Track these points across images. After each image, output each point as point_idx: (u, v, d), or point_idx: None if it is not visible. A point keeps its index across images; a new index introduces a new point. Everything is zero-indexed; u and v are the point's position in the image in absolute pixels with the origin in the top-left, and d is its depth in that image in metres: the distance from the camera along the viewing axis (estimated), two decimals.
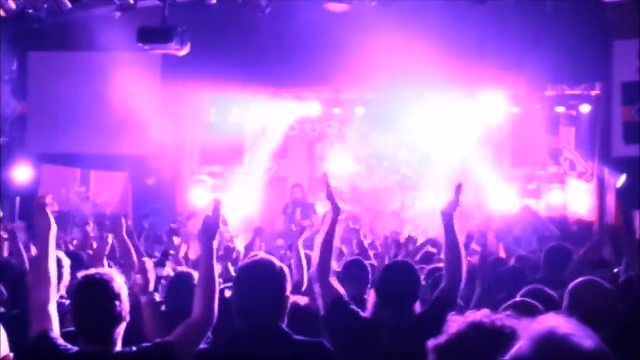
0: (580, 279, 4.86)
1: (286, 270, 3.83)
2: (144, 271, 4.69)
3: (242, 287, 3.76)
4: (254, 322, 3.69)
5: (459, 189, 4.83)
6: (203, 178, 16.38)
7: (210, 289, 3.68)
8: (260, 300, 3.68)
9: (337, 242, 4.79)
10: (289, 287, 3.79)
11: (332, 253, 4.66)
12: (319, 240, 4.68)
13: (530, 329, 2.32)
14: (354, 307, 4.58)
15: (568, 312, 4.40)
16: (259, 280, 3.72)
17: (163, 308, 4.95)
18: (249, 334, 3.69)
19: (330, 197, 4.76)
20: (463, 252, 4.72)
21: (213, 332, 3.75)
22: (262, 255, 4.45)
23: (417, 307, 4.58)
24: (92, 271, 3.70)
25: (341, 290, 4.62)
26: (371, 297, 4.66)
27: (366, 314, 4.59)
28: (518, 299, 4.82)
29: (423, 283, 5.64)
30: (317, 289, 4.61)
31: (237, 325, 3.72)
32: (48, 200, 3.99)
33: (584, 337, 2.24)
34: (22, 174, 14.42)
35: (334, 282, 4.62)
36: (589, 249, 7.33)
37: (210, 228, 3.73)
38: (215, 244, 3.72)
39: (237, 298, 3.75)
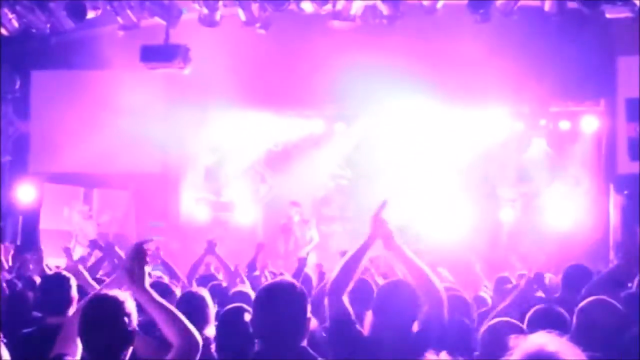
0: (590, 298, 4.80)
1: (306, 291, 3.80)
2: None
3: (263, 309, 3.72)
4: (276, 344, 3.65)
5: (377, 220, 4.61)
6: (206, 196, 16.35)
7: (173, 322, 3.51)
8: (282, 322, 3.65)
9: (362, 266, 4.74)
10: (309, 308, 3.75)
11: (355, 273, 4.61)
12: (345, 257, 4.64)
13: (520, 347, 2.39)
14: (358, 327, 4.54)
15: (577, 331, 4.34)
16: (280, 302, 3.69)
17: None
18: (270, 356, 3.65)
19: (376, 219, 4.67)
20: (427, 271, 4.57)
21: (234, 354, 3.71)
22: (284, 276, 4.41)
23: (415, 327, 4.52)
24: (104, 290, 3.66)
25: (350, 309, 4.57)
26: (368, 317, 4.63)
27: (366, 334, 4.55)
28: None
29: None
30: (327, 302, 4.57)
31: (258, 347, 3.69)
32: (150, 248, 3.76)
33: (571, 356, 2.31)
34: (24, 193, 14.40)
35: (345, 301, 4.57)
36: (613, 269, 7.19)
37: (134, 271, 3.55)
38: (146, 284, 3.54)
39: (258, 320, 3.72)
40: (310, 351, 3.71)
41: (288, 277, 4.30)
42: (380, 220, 4.62)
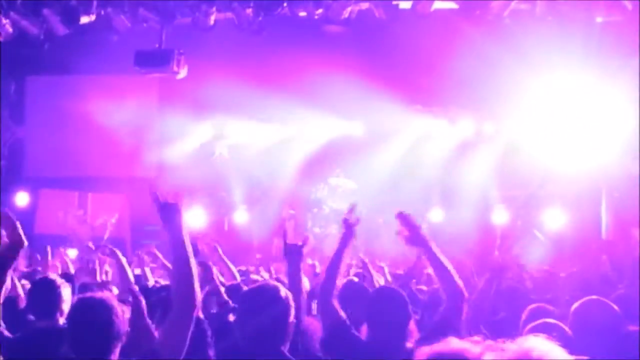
0: (586, 298, 4.79)
1: (290, 296, 3.84)
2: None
3: (247, 312, 3.77)
4: (258, 346, 3.70)
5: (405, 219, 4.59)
6: (202, 198, 16.35)
7: (184, 277, 3.55)
8: (264, 325, 3.70)
9: (345, 265, 4.74)
10: (292, 312, 3.80)
11: (338, 275, 4.62)
12: (328, 260, 4.66)
13: (508, 350, 2.38)
14: (354, 331, 4.54)
15: (572, 331, 4.34)
16: (264, 306, 3.73)
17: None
18: (250, 357, 3.69)
19: (347, 220, 4.73)
20: (453, 273, 4.52)
21: (217, 355, 3.75)
22: (267, 280, 4.44)
23: (413, 329, 4.53)
24: (89, 293, 3.70)
25: (341, 312, 4.56)
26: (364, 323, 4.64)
27: (363, 338, 4.56)
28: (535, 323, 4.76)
29: None
30: (317, 308, 4.58)
31: (240, 348, 3.73)
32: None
33: (559, 358, 2.30)
34: (19, 197, 14.43)
35: (335, 304, 4.56)
36: (585, 265, 7.29)
37: (170, 209, 3.59)
38: (183, 224, 3.57)
39: (241, 323, 3.76)
40: (288, 355, 3.75)
41: (271, 281, 4.30)
42: (350, 223, 4.68)
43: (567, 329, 4.41)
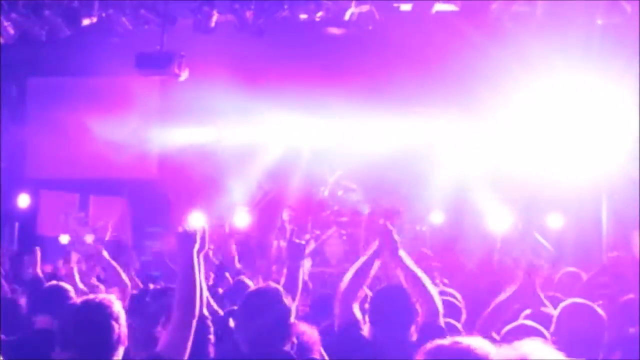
0: (569, 302, 4.75)
1: (290, 298, 3.87)
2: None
3: (248, 315, 3.79)
4: (259, 348, 3.72)
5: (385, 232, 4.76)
6: (202, 200, 16.34)
7: (187, 287, 3.75)
8: (265, 327, 3.74)
9: (372, 274, 4.82)
10: (293, 314, 3.84)
11: (365, 281, 4.72)
12: (356, 264, 4.73)
13: (505, 355, 2.36)
14: (363, 333, 4.60)
15: (554, 335, 4.32)
16: (264, 308, 3.77)
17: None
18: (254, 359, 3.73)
19: (386, 230, 4.75)
20: (423, 277, 4.64)
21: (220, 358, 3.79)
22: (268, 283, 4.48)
23: (413, 330, 4.55)
24: (91, 295, 3.71)
25: (359, 316, 4.63)
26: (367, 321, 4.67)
27: (367, 337, 4.59)
28: (519, 322, 4.77)
29: None
30: (336, 309, 4.64)
31: (242, 350, 3.76)
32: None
33: None
34: (21, 199, 14.44)
35: (356, 309, 4.64)
36: (597, 272, 7.27)
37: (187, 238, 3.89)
38: (195, 249, 3.85)
39: (243, 325, 3.79)
40: (293, 355, 3.78)
41: (271, 283, 4.33)
42: (388, 230, 4.70)
43: (546, 332, 4.39)
